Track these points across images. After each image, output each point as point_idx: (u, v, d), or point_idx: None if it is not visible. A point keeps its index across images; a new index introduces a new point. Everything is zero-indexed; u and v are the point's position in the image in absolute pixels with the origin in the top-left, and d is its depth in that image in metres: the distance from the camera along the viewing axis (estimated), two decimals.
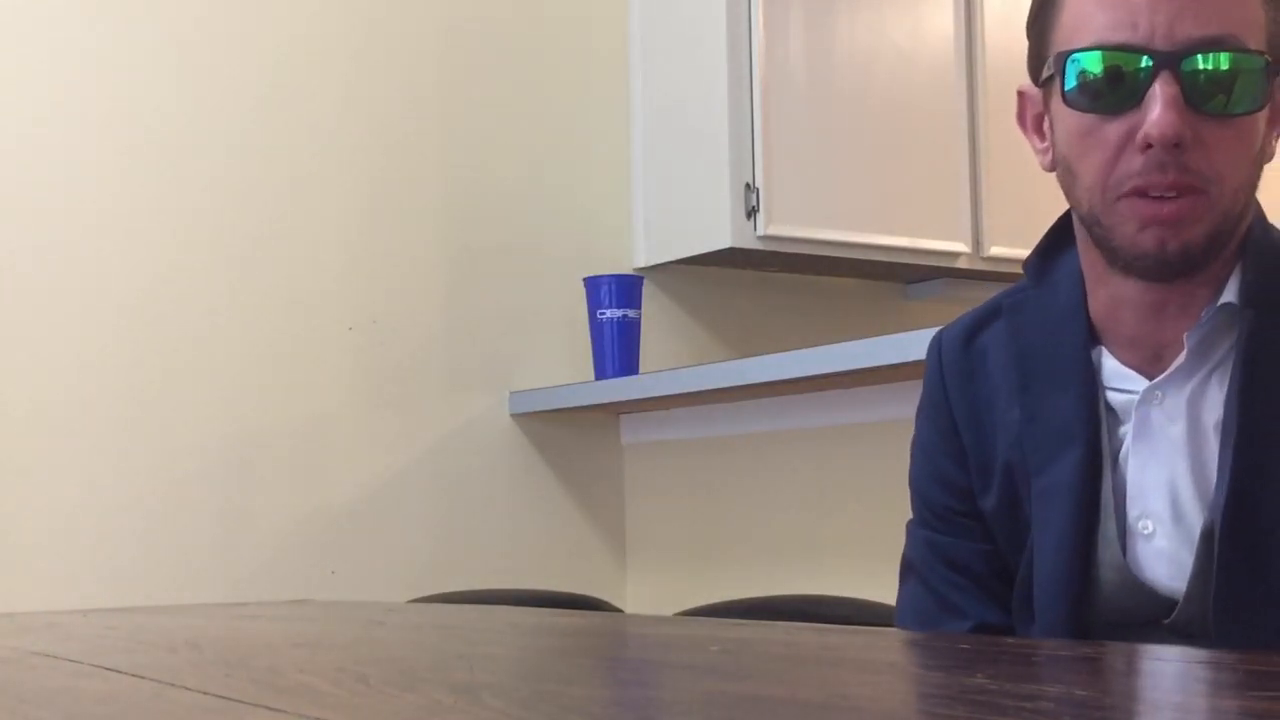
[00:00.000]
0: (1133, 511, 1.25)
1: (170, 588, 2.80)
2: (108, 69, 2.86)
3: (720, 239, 3.15)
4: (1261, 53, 1.20)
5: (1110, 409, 1.27)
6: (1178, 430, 1.24)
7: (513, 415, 3.21)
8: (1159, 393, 1.25)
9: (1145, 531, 1.24)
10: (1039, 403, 1.29)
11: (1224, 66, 1.18)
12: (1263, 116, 1.22)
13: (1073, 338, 1.29)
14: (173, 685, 0.95)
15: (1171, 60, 1.17)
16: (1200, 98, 1.18)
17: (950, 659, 1.06)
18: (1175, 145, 1.17)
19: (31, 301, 2.77)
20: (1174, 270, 1.22)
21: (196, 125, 2.93)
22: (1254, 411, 1.20)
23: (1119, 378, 1.28)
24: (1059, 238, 1.35)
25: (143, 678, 1.00)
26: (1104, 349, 1.29)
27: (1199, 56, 1.18)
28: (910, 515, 1.43)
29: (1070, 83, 1.22)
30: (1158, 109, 1.17)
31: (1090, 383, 1.28)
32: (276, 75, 3.02)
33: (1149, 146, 1.18)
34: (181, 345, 2.88)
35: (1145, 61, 1.18)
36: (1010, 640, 1.22)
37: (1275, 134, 1.27)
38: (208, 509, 2.88)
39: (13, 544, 2.71)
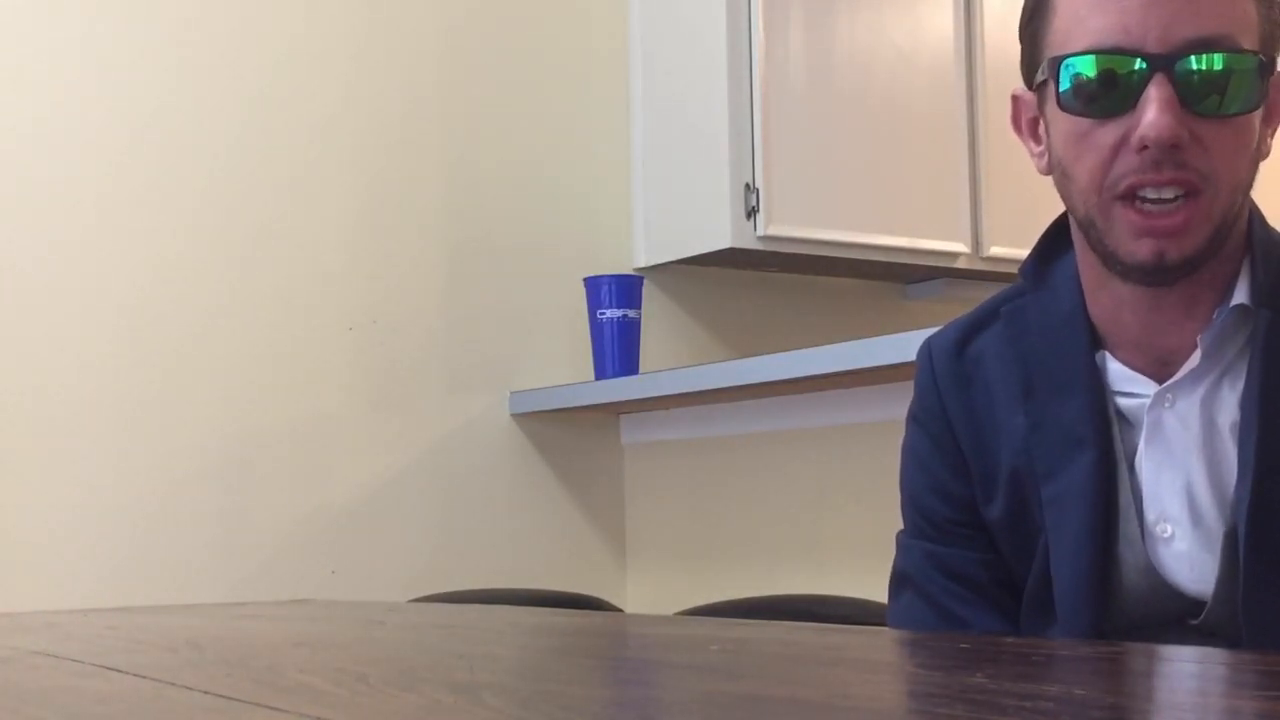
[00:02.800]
0: (1150, 515, 1.25)
1: (170, 588, 2.80)
2: (106, 68, 2.86)
3: (720, 239, 3.15)
4: (1255, 52, 1.20)
5: (1119, 413, 1.27)
6: (1192, 433, 1.23)
7: (513, 415, 3.21)
8: (1170, 395, 1.24)
9: (1164, 535, 1.24)
10: (1045, 408, 1.29)
11: (1218, 67, 1.18)
12: (1258, 115, 1.22)
13: (1076, 342, 1.29)
14: (173, 685, 0.95)
15: (1166, 62, 1.17)
16: (1195, 99, 1.18)
17: (950, 659, 1.06)
18: (1172, 146, 1.17)
19: (31, 301, 2.77)
20: (1173, 277, 1.22)
21: (196, 125, 2.93)
22: (1273, 411, 1.20)
23: (1126, 381, 1.27)
24: (1055, 241, 1.35)
25: (143, 677, 1.00)
26: (1108, 353, 1.29)
27: (1192, 58, 1.18)
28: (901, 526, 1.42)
29: (1065, 87, 1.22)
30: (1153, 111, 1.17)
31: (1097, 387, 1.27)
32: (276, 75, 3.02)
33: (1145, 148, 1.18)
34: (181, 345, 2.88)
35: (1139, 64, 1.18)
36: (1010, 640, 1.22)
37: (1270, 132, 1.27)
38: (208, 509, 2.88)
39: (13, 544, 2.71)
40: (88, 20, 2.85)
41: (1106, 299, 1.28)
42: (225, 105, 2.96)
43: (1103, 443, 1.26)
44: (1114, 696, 0.85)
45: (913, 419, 1.41)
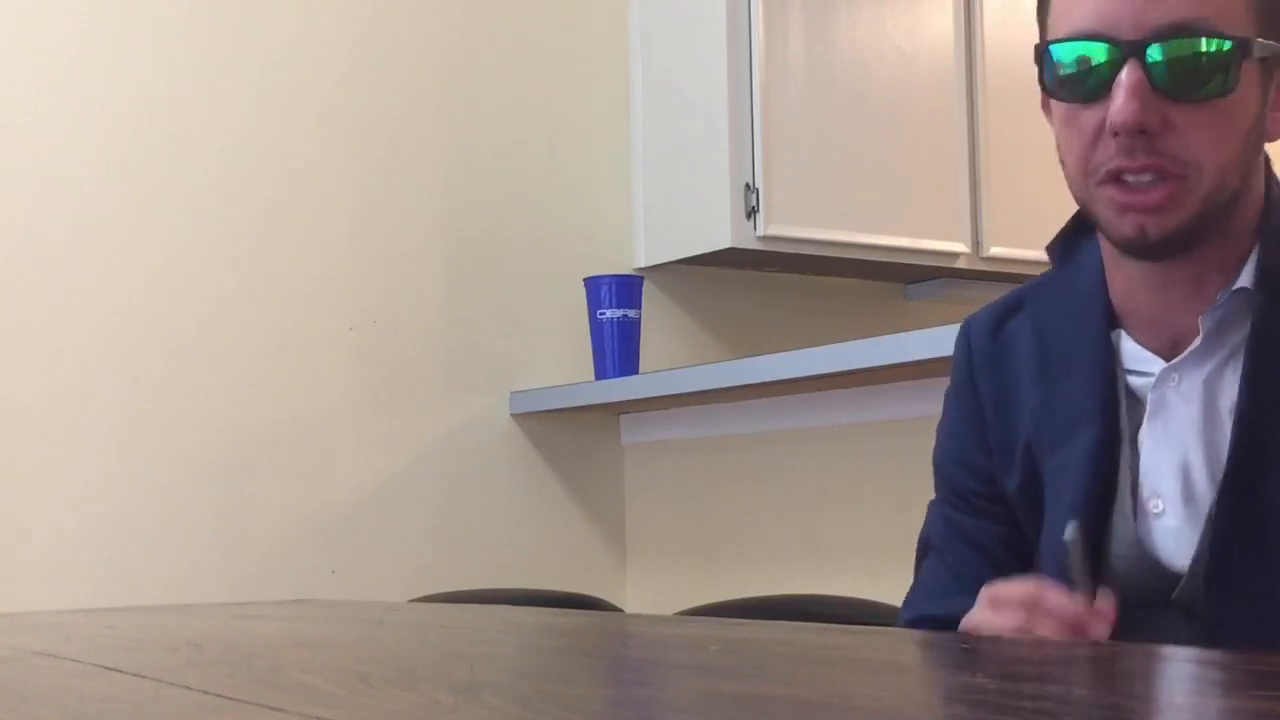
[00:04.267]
0: (1145, 490, 1.27)
1: (170, 588, 2.80)
2: (104, 66, 2.86)
3: (720, 239, 3.15)
4: (1233, 35, 1.20)
5: (1130, 391, 1.29)
6: (1192, 412, 1.25)
7: (513, 415, 3.21)
8: (1175, 375, 1.27)
9: (1156, 510, 1.26)
10: (1056, 384, 1.32)
11: (1188, 52, 1.20)
12: (1247, 97, 1.22)
13: (1093, 320, 1.31)
14: (174, 685, 0.95)
15: (1136, 48, 1.20)
16: (1166, 84, 1.20)
17: (950, 659, 1.06)
18: (1141, 132, 1.19)
19: (30, 301, 2.77)
20: (1159, 253, 1.24)
21: (194, 124, 2.93)
22: (1262, 395, 1.21)
23: (1138, 360, 1.30)
24: (1083, 221, 1.36)
25: (144, 677, 1.00)
26: (1123, 332, 1.31)
27: (1162, 44, 1.19)
28: (933, 495, 1.46)
29: (1049, 74, 1.26)
30: (1121, 97, 1.19)
31: (1108, 365, 1.30)
32: (275, 74, 3.02)
33: (1117, 134, 1.20)
34: (181, 345, 2.88)
35: (1111, 50, 1.21)
36: (1010, 640, 1.22)
37: (1278, 114, 1.27)
38: (208, 509, 2.88)
39: (13, 544, 2.71)
40: (85, 17, 2.85)
41: (1121, 278, 1.30)
42: (223, 104, 2.96)
43: (1107, 419, 1.28)
44: (1114, 696, 0.85)
45: (949, 394, 1.46)
